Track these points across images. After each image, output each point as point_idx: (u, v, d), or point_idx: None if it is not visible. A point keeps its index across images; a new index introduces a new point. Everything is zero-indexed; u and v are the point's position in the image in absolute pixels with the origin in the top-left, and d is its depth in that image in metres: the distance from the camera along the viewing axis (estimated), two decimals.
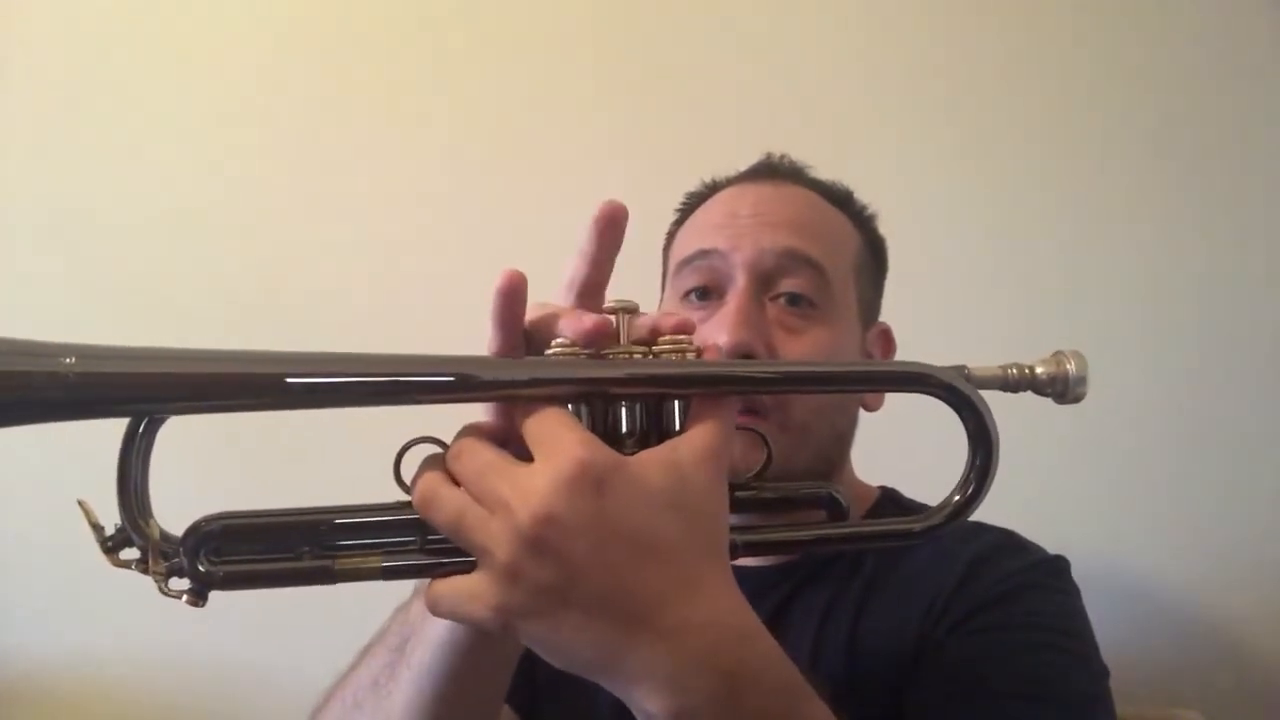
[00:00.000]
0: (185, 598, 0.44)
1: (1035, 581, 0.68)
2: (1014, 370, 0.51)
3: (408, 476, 0.47)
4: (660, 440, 0.45)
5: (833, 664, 0.66)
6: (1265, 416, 1.07)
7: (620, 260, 0.51)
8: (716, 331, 0.68)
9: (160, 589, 0.44)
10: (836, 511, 0.53)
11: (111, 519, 0.45)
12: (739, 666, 0.42)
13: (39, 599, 1.22)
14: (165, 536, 0.46)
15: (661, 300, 0.79)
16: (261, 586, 0.45)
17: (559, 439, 0.42)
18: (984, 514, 0.75)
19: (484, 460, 0.43)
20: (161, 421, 0.47)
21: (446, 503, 0.43)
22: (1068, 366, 0.50)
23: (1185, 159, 1.11)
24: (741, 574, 0.65)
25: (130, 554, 0.46)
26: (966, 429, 0.49)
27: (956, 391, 0.49)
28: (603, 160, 1.22)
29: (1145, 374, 1.10)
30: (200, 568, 0.44)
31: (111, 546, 0.45)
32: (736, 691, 0.42)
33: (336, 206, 1.26)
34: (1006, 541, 0.71)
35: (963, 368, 0.50)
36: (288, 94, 1.27)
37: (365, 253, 1.25)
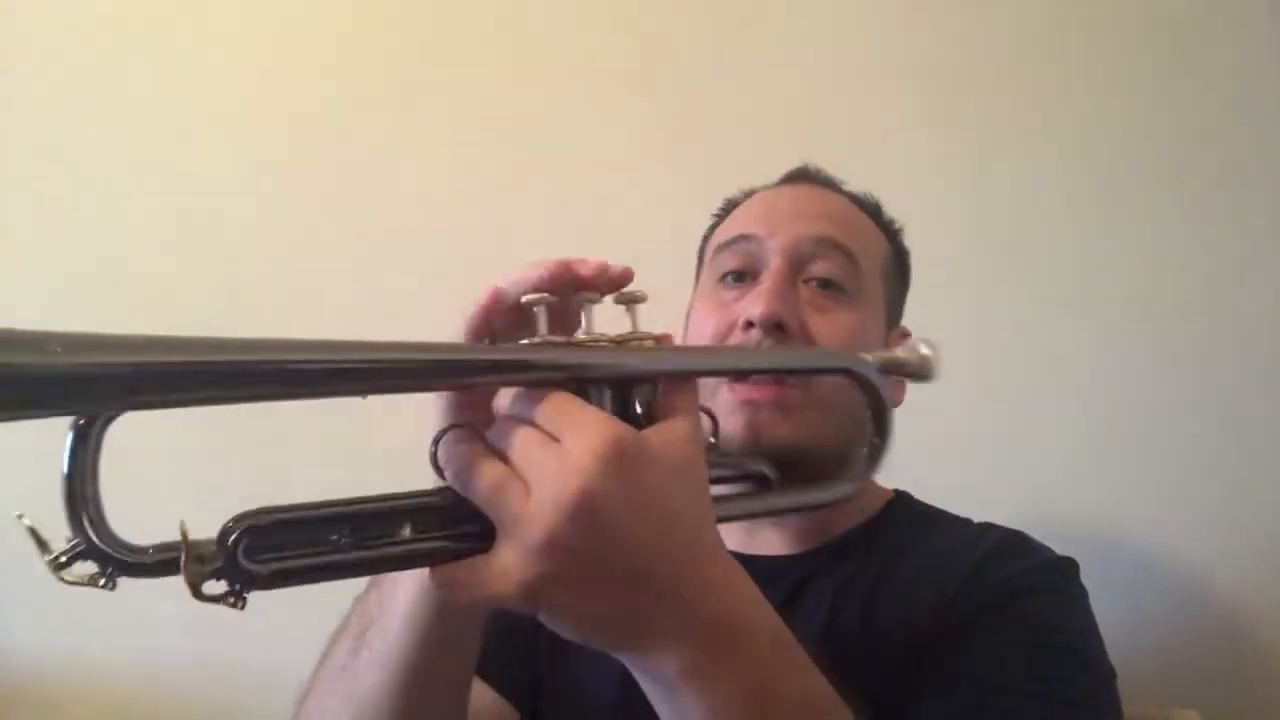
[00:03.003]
0: (226, 601, 0.41)
1: (1043, 581, 0.69)
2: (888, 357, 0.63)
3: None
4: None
5: (841, 653, 0.65)
6: (1268, 416, 1.07)
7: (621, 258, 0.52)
8: (751, 305, 0.72)
9: (196, 595, 0.40)
10: (765, 485, 0.60)
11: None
12: (745, 622, 0.47)
13: (38, 600, 1.22)
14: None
15: (694, 291, 0.84)
16: (307, 582, 0.43)
17: (584, 418, 0.44)
18: (988, 513, 0.77)
19: (527, 434, 0.44)
20: (111, 421, 0.41)
21: (487, 473, 0.44)
22: (923, 351, 0.63)
23: (1188, 155, 1.12)
24: (753, 561, 0.70)
25: (85, 569, 0.40)
26: (870, 407, 0.60)
27: (857, 374, 0.59)
28: (607, 163, 1.24)
29: (1147, 375, 1.10)
30: (244, 568, 0.41)
31: (64, 562, 0.40)
32: (740, 642, 0.46)
33: (341, 207, 1.28)
34: (1016, 542, 0.73)
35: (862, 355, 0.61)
36: (293, 94, 1.29)
37: (368, 254, 1.26)
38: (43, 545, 0.40)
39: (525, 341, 0.48)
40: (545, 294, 0.48)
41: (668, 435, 0.46)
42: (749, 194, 0.86)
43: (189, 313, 1.22)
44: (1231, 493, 1.07)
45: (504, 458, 0.45)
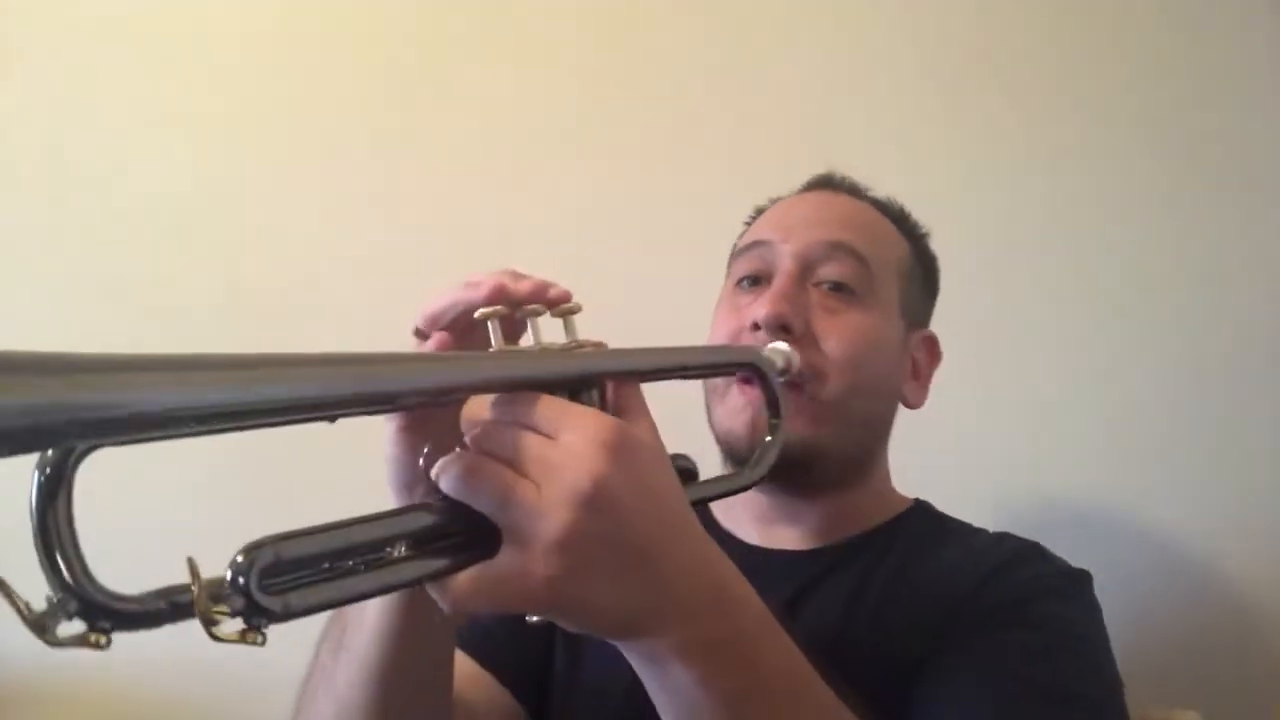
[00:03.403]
0: (247, 639, 0.37)
1: (1056, 589, 0.71)
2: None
3: None
4: None
5: (852, 650, 0.67)
6: (1271, 418, 1.08)
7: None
8: (758, 308, 0.75)
9: (212, 636, 0.36)
10: (687, 477, 0.62)
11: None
12: (733, 595, 0.50)
13: (36, 600, 0.99)
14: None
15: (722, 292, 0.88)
16: (327, 609, 0.42)
17: (580, 413, 0.46)
18: (992, 515, 0.81)
19: (526, 435, 0.46)
20: (86, 455, 0.36)
21: (493, 476, 0.45)
22: (781, 348, 0.72)
23: (1193, 155, 1.12)
24: (770, 554, 0.78)
25: (72, 628, 0.35)
26: (766, 397, 0.67)
27: (757, 367, 0.67)
28: (608, 165, 1.24)
29: (1150, 377, 1.10)
30: (262, 603, 0.37)
31: (51, 623, 0.34)
32: (729, 613, 0.49)
33: (343, 208, 1.28)
34: (1032, 550, 0.75)
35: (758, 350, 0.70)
36: (294, 96, 1.29)
37: (370, 257, 1.26)
38: (19, 608, 0.34)
39: (491, 350, 0.50)
40: (499, 307, 0.51)
41: (641, 426, 0.50)
42: (774, 201, 0.88)
43: (190, 312, 1.25)
44: (1233, 494, 1.07)
45: (504, 461, 0.45)
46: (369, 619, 0.58)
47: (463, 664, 0.70)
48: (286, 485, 1.11)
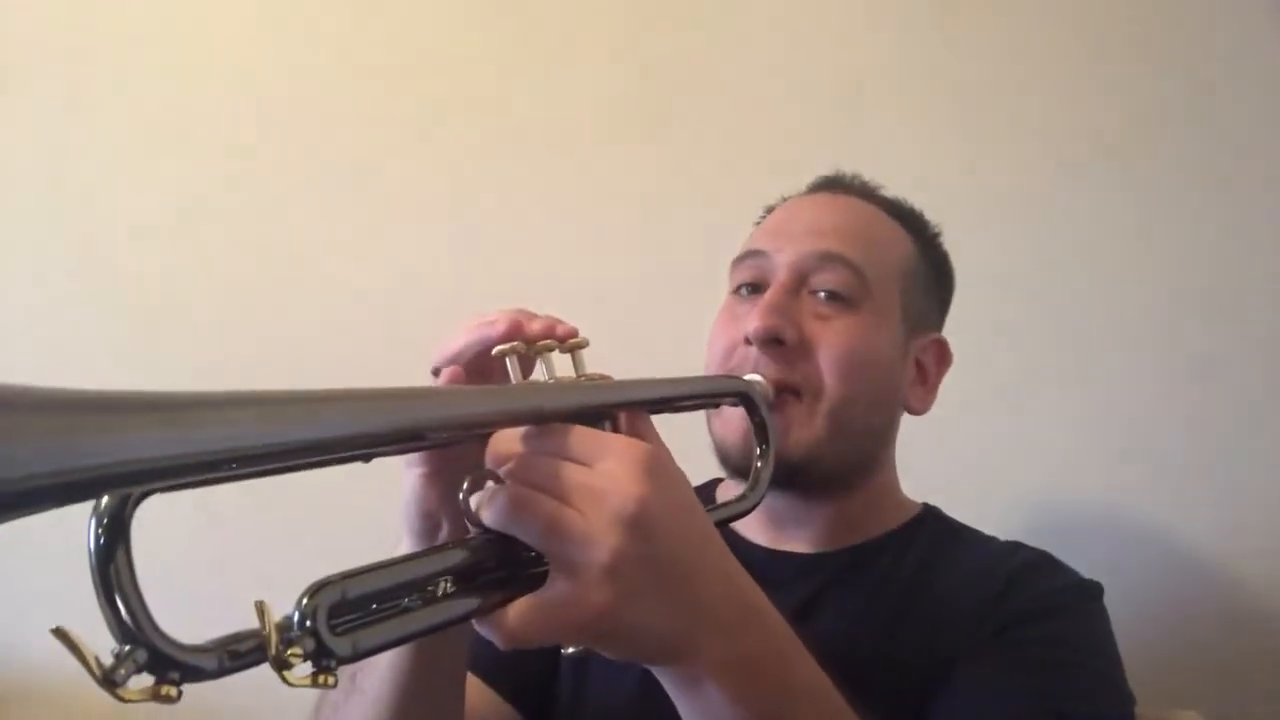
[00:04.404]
0: (318, 682, 0.37)
1: (1068, 603, 0.72)
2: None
3: None
4: None
5: (863, 662, 0.67)
6: (1270, 418, 1.09)
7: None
8: (751, 320, 0.76)
9: (286, 680, 0.37)
10: None
11: None
12: (760, 610, 0.51)
13: (41, 599, 1.12)
14: None
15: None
16: (390, 647, 0.43)
17: (614, 441, 0.48)
18: (991, 514, 0.80)
19: (564, 465, 0.46)
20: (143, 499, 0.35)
21: (539, 506, 0.45)
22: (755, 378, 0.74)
23: (1189, 154, 1.13)
24: (777, 556, 0.80)
25: (143, 680, 0.34)
26: (753, 423, 0.69)
27: (745, 396, 0.69)
28: (606, 171, 1.25)
29: (1148, 376, 1.11)
30: (331, 645, 0.38)
31: (121, 677, 0.33)
32: (758, 628, 0.50)
33: (343, 210, 1.29)
34: (1043, 561, 0.76)
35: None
36: (295, 100, 1.30)
37: (372, 259, 1.27)
38: (88, 664, 0.33)
39: (518, 384, 0.53)
40: (516, 344, 0.53)
41: (662, 447, 0.51)
42: (782, 201, 0.89)
43: (190, 312, 1.27)
44: (1232, 493, 1.08)
45: (546, 491, 0.45)
46: (381, 659, 0.58)
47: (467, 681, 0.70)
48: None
